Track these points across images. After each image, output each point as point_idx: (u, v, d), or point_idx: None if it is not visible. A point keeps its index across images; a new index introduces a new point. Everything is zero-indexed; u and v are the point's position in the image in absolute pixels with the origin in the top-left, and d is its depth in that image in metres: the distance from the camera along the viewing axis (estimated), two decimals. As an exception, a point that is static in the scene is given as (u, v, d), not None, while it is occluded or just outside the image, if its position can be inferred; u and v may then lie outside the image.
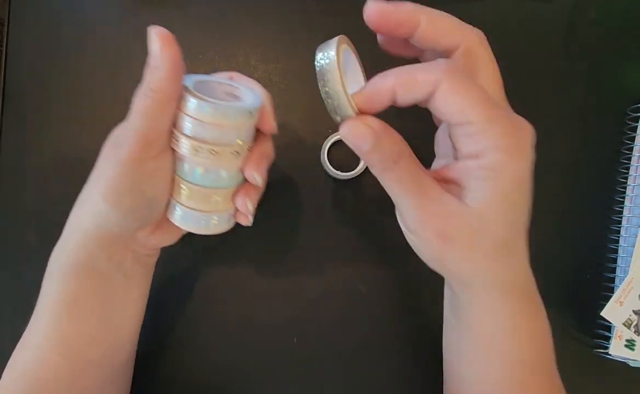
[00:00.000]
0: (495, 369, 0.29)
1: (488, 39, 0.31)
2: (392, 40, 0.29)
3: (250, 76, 0.43)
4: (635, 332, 0.37)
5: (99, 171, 0.28)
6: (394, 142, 0.26)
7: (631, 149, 0.40)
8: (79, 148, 0.41)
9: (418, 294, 0.40)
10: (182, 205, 0.29)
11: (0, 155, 0.42)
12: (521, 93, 0.42)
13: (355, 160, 0.41)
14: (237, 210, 0.31)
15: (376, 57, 0.43)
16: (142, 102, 0.26)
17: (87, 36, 0.42)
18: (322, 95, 0.25)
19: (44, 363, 0.29)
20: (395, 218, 0.42)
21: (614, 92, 0.42)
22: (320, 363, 0.40)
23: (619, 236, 0.40)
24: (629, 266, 0.37)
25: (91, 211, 0.28)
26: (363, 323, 0.40)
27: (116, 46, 0.42)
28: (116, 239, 0.29)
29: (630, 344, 0.37)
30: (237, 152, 0.28)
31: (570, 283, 0.41)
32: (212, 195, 0.29)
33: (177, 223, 0.30)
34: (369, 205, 0.40)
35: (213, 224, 0.30)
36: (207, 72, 0.42)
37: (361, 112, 0.25)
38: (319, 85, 0.25)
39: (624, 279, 0.37)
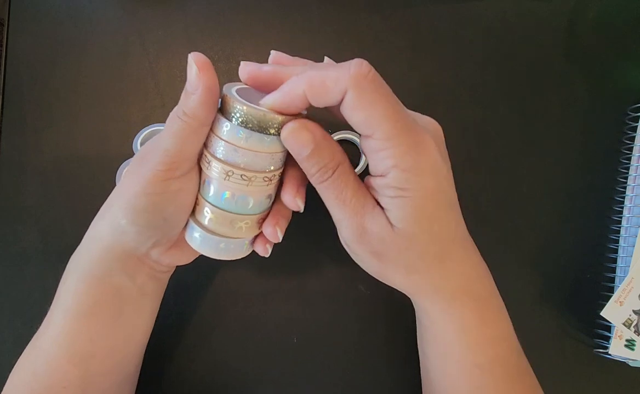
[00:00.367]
0: (452, 371, 0.31)
1: (488, 38, 0.31)
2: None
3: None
4: (635, 332, 0.37)
5: (123, 185, 0.28)
6: (333, 151, 0.26)
7: (631, 149, 0.40)
8: (79, 148, 0.41)
9: (418, 294, 0.40)
10: (204, 228, 0.28)
11: (1, 155, 0.42)
12: (521, 94, 0.42)
13: (355, 160, 0.41)
14: (256, 238, 0.30)
15: (376, 57, 0.43)
16: (174, 123, 0.26)
17: (87, 36, 0.42)
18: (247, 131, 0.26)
19: (54, 370, 0.29)
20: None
21: (614, 92, 0.42)
22: (320, 363, 0.40)
23: (619, 236, 0.40)
24: (629, 266, 0.37)
25: (110, 223, 0.29)
26: (363, 323, 0.40)
27: (116, 46, 0.42)
28: (132, 254, 0.29)
29: (630, 344, 0.37)
30: (269, 179, 0.27)
31: (570, 283, 0.41)
32: (237, 221, 0.28)
33: (195, 247, 0.29)
34: (369, 205, 0.40)
35: (231, 250, 0.29)
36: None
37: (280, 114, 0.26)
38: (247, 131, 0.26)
39: (624, 279, 0.37)
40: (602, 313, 0.37)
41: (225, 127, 0.26)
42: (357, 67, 0.23)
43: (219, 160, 0.26)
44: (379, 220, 0.26)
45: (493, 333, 0.30)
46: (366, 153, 0.26)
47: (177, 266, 0.34)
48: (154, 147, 0.27)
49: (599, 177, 0.41)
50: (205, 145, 0.27)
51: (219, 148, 0.26)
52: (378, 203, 0.27)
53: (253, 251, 0.31)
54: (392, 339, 0.40)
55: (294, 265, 0.41)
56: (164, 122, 0.27)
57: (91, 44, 0.42)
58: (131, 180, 0.27)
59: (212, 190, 0.27)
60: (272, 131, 0.26)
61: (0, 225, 0.40)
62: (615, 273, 0.39)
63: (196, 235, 0.28)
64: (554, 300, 0.41)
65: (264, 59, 0.42)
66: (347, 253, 0.30)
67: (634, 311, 0.37)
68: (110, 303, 0.30)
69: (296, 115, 0.27)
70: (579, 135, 0.42)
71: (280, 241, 0.29)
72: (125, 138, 0.40)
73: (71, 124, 0.41)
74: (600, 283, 0.40)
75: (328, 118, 0.42)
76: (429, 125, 0.28)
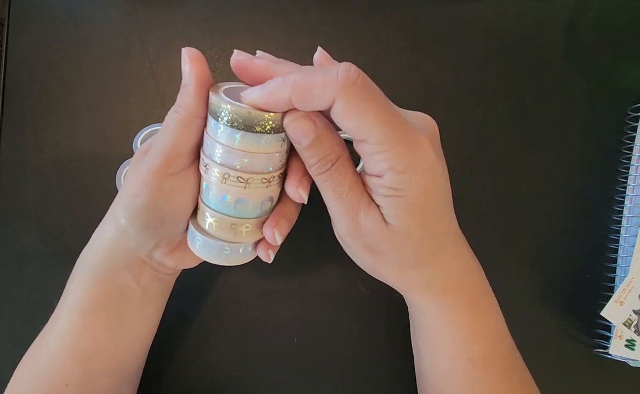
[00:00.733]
0: (445, 366, 0.31)
1: (488, 38, 0.31)
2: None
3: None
4: (635, 332, 0.37)
5: (124, 185, 0.29)
6: (334, 143, 0.26)
7: (631, 149, 0.40)
8: (79, 148, 0.41)
9: (418, 294, 0.40)
10: (204, 232, 0.28)
11: (1, 155, 0.42)
12: (521, 94, 0.42)
13: (355, 160, 0.41)
14: (258, 242, 0.29)
15: (376, 57, 0.43)
16: (170, 118, 0.26)
17: (87, 36, 0.42)
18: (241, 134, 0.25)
19: (57, 368, 0.29)
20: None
21: (614, 92, 0.42)
22: (320, 363, 0.40)
23: (619, 236, 0.40)
24: (629, 266, 0.37)
25: (112, 223, 0.29)
26: (363, 323, 0.40)
27: (116, 46, 0.42)
28: (134, 254, 0.29)
29: (630, 344, 0.37)
30: (268, 180, 0.27)
31: (570, 283, 0.41)
32: (238, 225, 0.27)
33: (196, 252, 0.28)
34: (369, 205, 0.40)
35: (234, 255, 0.28)
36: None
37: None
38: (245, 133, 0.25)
39: (624, 279, 0.37)
40: (602, 313, 0.37)
41: (218, 129, 0.25)
42: (345, 74, 0.23)
43: (215, 162, 0.26)
44: (373, 216, 0.26)
45: (485, 327, 0.30)
46: (361, 155, 0.26)
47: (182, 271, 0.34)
48: (150, 145, 0.27)
49: (599, 177, 0.41)
50: (202, 149, 0.27)
51: (215, 150, 0.26)
52: (373, 200, 0.27)
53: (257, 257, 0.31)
54: (391, 339, 0.40)
55: (295, 265, 0.41)
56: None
57: (91, 44, 0.42)
58: (129, 181, 0.28)
59: (210, 194, 0.27)
60: (259, 129, 0.25)
61: (0, 225, 0.40)
62: (615, 273, 0.39)
63: (197, 239, 0.28)
64: (554, 300, 0.41)
65: (264, 59, 0.43)
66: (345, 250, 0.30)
67: (634, 311, 0.37)
68: (114, 302, 0.30)
69: (285, 112, 0.26)
70: (579, 135, 0.42)
71: (278, 244, 0.29)
72: (125, 138, 0.40)
73: (71, 124, 0.41)
74: (600, 283, 0.40)
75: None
76: (422, 121, 0.28)
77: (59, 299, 0.31)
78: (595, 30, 0.42)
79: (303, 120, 0.25)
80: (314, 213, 0.41)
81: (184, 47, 0.26)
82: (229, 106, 0.24)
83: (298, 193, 0.27)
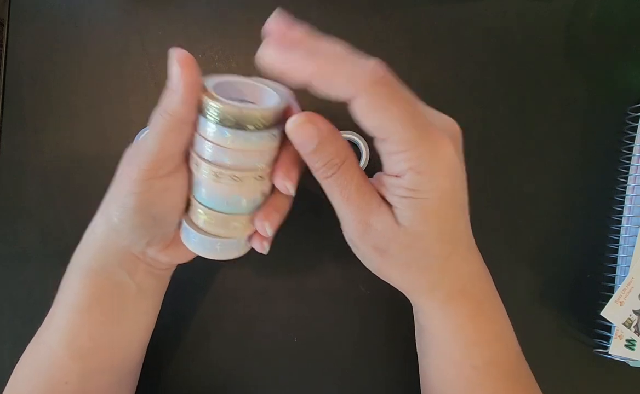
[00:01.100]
0: (449, 372, 0.31)
1: (488, 38, 0.31)
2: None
3: (250, 76, 0.43)
4: (635, 332, 0.37)
5: (115, 184, 0.29)
6: (339, 147, 0.26)
7: (631, 149, 0.40)
8: (79, 148, 0.41)
9: (418, 294, 0.40)
10: (198, 229, 0.28)
11: (1, 155, 0.42)
12: (521, 94, 0.42)
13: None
14: (252, 235, 0.30)
15: (376, 57, 0.43)
16: (156, 122, 0.25)
17: (87, 36, 0.42)
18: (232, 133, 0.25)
19: (55, 365, 0.29)
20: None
21: (614, 92, 0.42)
22: (320, 363, 0.40)
23: (619, 236, 0.40)
24: (629, 266, 0.37)
25: (105, 220, 0.29)
26: (363, 323, 0.40)
27: (116, 46, 0.42)
28: (127, 251, 0.29)
29: (630, 344, 0.37)
30: (261, 177, 0.27)
31: (570, 283, 0.41)
32: (231, 221, 0.27)
33: (191, 248, 0.29)
34: (369, 205, 0.40)
35: (228, 250, 0.29)
36: (207, 72, 0.42)
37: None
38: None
39: (624, 279, 0.37)
40: (602, 313, 0.37)
41: (209, 127, 0.25)
42: (374, 73, 0.23)
43: (207, 161, 0.25)
44: (385, 217, 0.26)
45: (490, 333, 0.30)
46: (380, 153, 0.26)
47: (176, 267, 0.34)
48: (140, 147, 0.27)
49: (599, 177, 0.41)
50: (192, 146, 0.26)
51: (205, 149, 0.25)
52: (385, 200, 0.26)
53: (251, 249, 0.31)
54: (392, 340, 0.40)
55: (294, 264, 0.41)
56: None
57: (91, 44, 0.42)
58: (121, 178, 0.28)
59: (202, 192, 0.27)
60: (251, 127, 0.25)
61: (0, 225, 0.40)
62: (615, 273, 0.39)
63: (191, 236, 0.28)
64: (554, 300, 0.41)
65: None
66: (348, 252, 0.30)
67: (634, 311, 0.37)
68: (109, 299, 0.30)
69: (277, 109, 0.25)
70: (579, 135, 0.42)
71: (269, 236, 0.29)
72: (125, 138, 0.40)
73: (71, 124, 0.41)
74: (600, 283, 0.40)
75: (329, 117, 0.42)
76: (447, 124, 0.28)
77: (58, 299, 0.31)
78: (595, 30, 0.42)
79: (306, 125, 0.25)
80: (313, 212, 0.41)
81: (185, 48, 0.26)
82: (220, 105, 0.24)
83: (285, 186, 0.27)
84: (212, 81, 0.26)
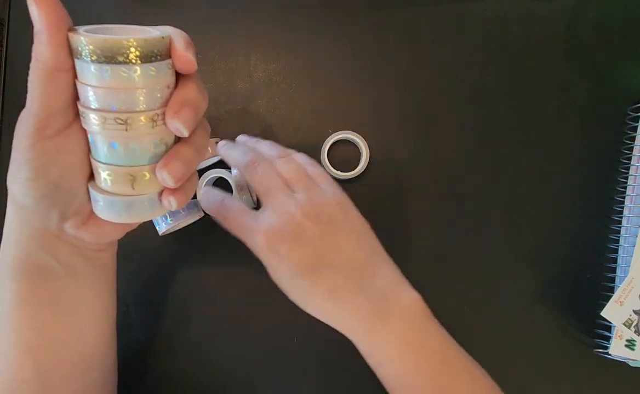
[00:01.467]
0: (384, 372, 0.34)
1: (488, 38, 0.31)
2: None
3: (250, 76, 0.43)
4: (635, 332, 0.37)
5: (11, 161, 0.26)
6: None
7: (631, 149, 0.40)
8: (78, 148, 0.41)
9: (418, 294, 0.40)
10: (103, 191, 0.26)
11: (1, 155, 0.42)
12: (521, 94, 0.42)
13: (355, 160, 0.41)
14: (162, 191, 0.27)
15: (376, 57, 0.43)
16: (31, 76, 0.23)
17: (87, 36, 0.42)
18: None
19: (10, 364, 0.28)
20: (396, 217, 0.42)
21: (614, 92, 0.42)
22: (320, 363, 0.40)
23: (619, 236, 0.40)
24: (629, 266, 0.37)
25: (12, 203, 0.27)
26: (363, 323, 0.40)
27: (116, 46, 0.42)
28: (43, 230, 0.27)
29: (630, 344, 0.37)
30: (152, 119, 0.24)
31: (570, 283, 0.41)
32: (134, 175, 0.25)
33: (100, 215, 0.27)
34: (368, 204, 0.40)
35: (140, 210, 0.26)
36: (207, 72, 0.42)
37: None
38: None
39: (624, 279, 0.37)
40: (602, 313, 0.37)
41: (85, 70, 0.23)
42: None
43: (92, 109, 0.24)
44: None
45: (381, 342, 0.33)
46: None
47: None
48: (23, 112, 0.25)
49: (599, 177, 0.41)
50: (78, 98, 0.24)
51: (87, 96, 0.23)
52: None
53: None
54: (392, 340, 0.40)
55: (294, 265, 0.41)
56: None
57: (91, 44, 0.42)
58: (14, 150, 0.26)
59: (96, 147, 0.25)
60: (122, 59, 0.23)
61: (1, 224, 0.40)
62: (615, 273, 0.39)
63: (99, 201, 0.26)
64: (554, 300, 0.41)
65: (264, 59, 0.43)
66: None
67: (634, 311, 0.37)
68: (40, 285, 0.28)
69: (151, 39, 0.23)
70: (579, 135, 0.42)
71: (174, 187, 0.26)
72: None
73: (71, 124, 0.41)
74: (600, 283, 0.40)
75: (329, 117, 0.42)
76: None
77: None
78: (595, 30, 0.42)
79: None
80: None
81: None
82: (83, 38, 0.22)
83: (175, 126, 0.25)
84: (89, 27, 0.25)
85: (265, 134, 0.41)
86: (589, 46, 0.42)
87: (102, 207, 0.26)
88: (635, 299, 0.37)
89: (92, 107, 0.24)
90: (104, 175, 0.25)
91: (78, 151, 0.26)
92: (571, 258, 0.41)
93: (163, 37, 0.24)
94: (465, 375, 0.32)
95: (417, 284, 0.33)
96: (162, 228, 0.38)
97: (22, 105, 0.25)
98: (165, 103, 0.25)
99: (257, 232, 0.32)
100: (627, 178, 0.40)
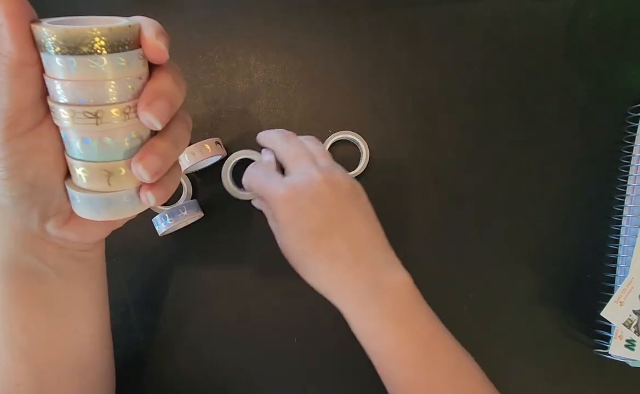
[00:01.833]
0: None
1: (488, 38, 0.31)
2: None
3: (250, 76, 0.43)
4: (635, 332, 0.37)
5: None
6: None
7: (631, 149, 0.40)
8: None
9: (418, 294, 0.40)
10: (79, 189, 0.25)
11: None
12: (521, 93, 0.42)
13: (355, 159, 0.41)
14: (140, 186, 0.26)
15: (376, 57, 0.43)
16: None
17: (87, 36, 0.42)
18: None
19: (3, 368, 0.28)
20: (396, 216, 0.42)
21: (614, 92, 0.42)
22: (320, 363, 0.40)
23: (619, 236, 0.40)
24: (629, 266, 0.37)
25: None
26: (363, 323, 0.40)
27: (116, 46, 0.42)
28: (26, 232, 0.27)
29: (630, 344, 0.37)
30: (125, 112, 0.24)
31: (570, 283, 0.41)
32: (109, 171, 0.25)
33: (78, 213, 0.26)
34: (369, 205, 0.41)
35: (118, 207, 0.26)
36: (207, 72, 0.42)
37: None
38: None
39: (624, 279, 0.37)
40: (602, 313, 0.37)
41: (52, 63, 0.22)
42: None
43: (59, 103, 0.23)
44: None
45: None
46: None
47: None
48: None
49: (599, 177, 0.41)
50: (48, 95, 0.24)
51: (56, 90, 0.23)
52: None
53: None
54: (392, 340, 0.40)
55: (294, 265, 0.41)
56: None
57: (91, 44, 0.42)
58: None
59: (69, 143, 0.25)
60: (87, 49, 0.22)
61: None
62: (615, 273, 0.39)
63: (76, 199, 0.26)
64: (554, 300, 0.41)
65: (264, 59, 0.43)
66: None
67: (634, 312, 0.37)
68: (29, 288, 0.28)
69: (117, 28, 0.23)
70: (578, 135, 0.42)
71: (150, 181, 0.26)
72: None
73: (71, 124, 0.41)
74: (600, 283, 0.40)
75: (329, 117, 0.42)
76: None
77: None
78: (595, 30, 0.42)
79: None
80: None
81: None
82: (45, 30, 0.22)
83: (146, 118, 0.24)
84: (56, 19, 0.24)
85: (265, 134, 0.41)
86: (589, 46, 0.42)
87: (80, 205, 0.26)
88: (635, 299, 0.37)
89: (61, 101, 0.23)
90: (79, 172, 0.25)
91: (52, 149, 0.25)
92: (571, 258, 0.41)
93: (130, 26, 0.23)
94: (451, 351, 0.33)
95: (417, 284, 0.33)
96: (162, 228, 0.38)
97: (22, 105, 0.24)
98: (138, 95, 0.24)
99: (280, 185, 0.34)
100: (627, 178, 0.40)
